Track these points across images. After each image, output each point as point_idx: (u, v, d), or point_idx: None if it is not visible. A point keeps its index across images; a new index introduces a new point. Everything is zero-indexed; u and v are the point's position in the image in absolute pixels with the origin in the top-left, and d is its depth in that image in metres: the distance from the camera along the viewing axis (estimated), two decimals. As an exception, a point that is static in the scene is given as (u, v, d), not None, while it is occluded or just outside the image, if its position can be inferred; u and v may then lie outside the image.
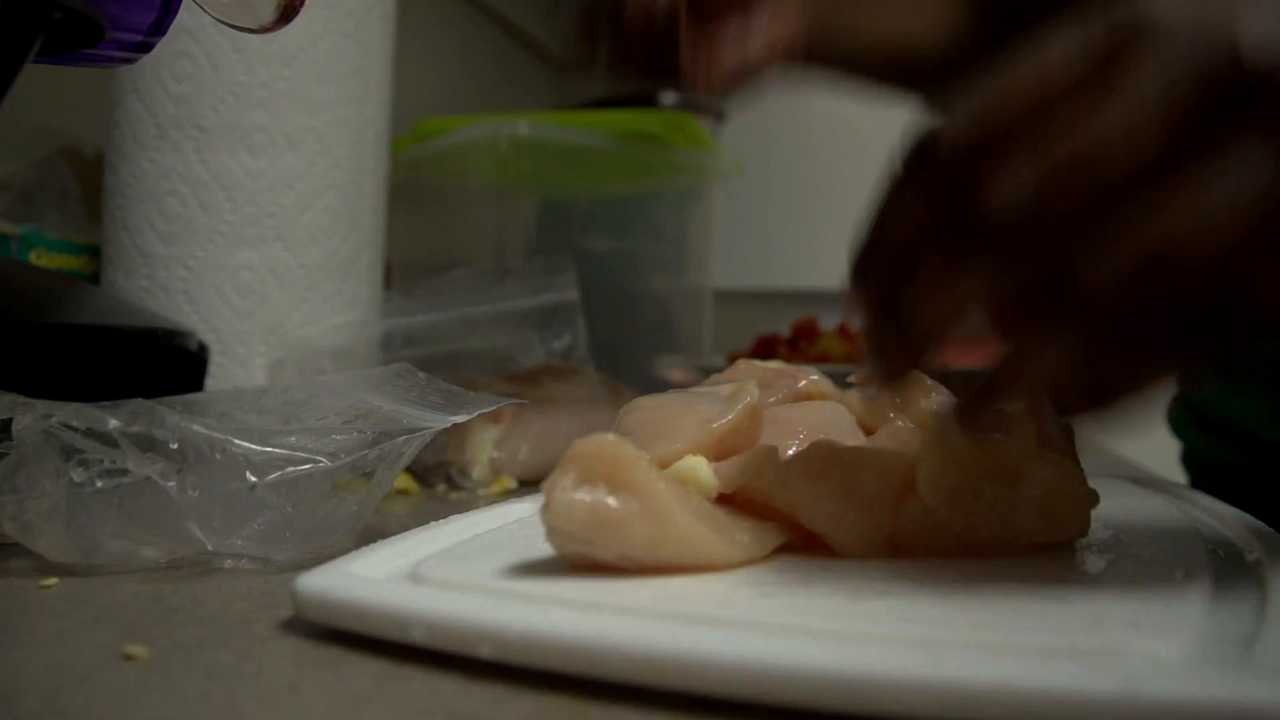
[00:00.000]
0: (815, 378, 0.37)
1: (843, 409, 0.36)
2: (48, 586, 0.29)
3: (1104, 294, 0.22)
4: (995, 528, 0.28)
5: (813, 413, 0.35)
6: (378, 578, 0.26)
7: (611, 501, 0.25)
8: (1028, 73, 0.22)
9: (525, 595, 0.24)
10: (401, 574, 0.26)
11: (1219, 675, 0.19)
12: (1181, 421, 0.70)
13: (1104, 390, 0.23)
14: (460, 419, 0.35)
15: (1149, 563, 0.28)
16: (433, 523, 0.32)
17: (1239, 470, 0.63)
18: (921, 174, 0.24)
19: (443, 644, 0.22)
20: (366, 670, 0.22)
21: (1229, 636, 0.22)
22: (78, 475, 0.30)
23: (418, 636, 0.23)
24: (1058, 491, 0.29)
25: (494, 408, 0.36)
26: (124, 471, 0.30)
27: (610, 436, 0.26)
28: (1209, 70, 0.21)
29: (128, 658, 0.23)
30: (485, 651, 0.22)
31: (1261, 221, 0.21)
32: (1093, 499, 0.30)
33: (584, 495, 0.25)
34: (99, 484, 0.30)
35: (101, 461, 0.30)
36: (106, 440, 0.30)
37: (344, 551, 0.28)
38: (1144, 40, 0.21)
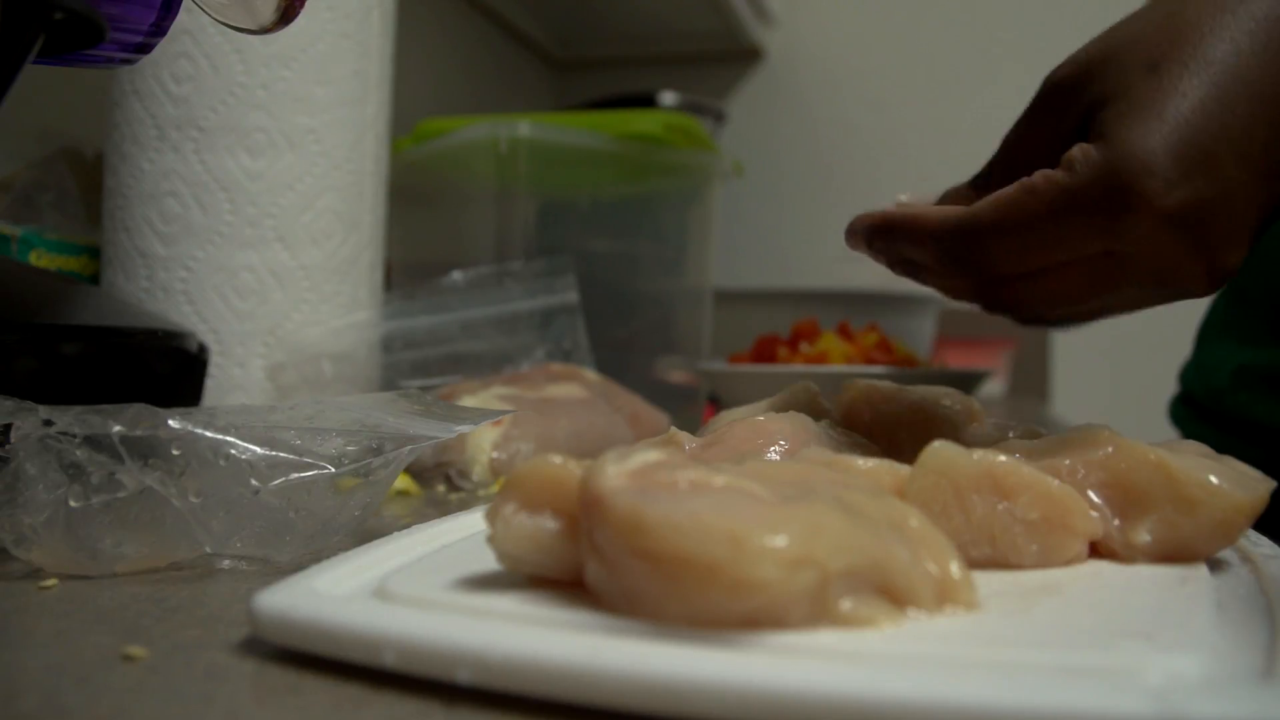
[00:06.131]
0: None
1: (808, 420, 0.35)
2: (47, 587, 0.29)
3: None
4: (985, 548, 0.27)
5: (789, 422, 0.34)
6: (339, 595, 0.24)
7: (552, 525, 0.24)
8: None
9: (505, 614, 0.23)
10: (366, 590, 0.25)
11: (1251, 692, 0.18)
12: (1185, 418, 0.70)
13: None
14: (465, 429, 0.35)
15: (1149, 565, 0.28)
16: (396, 533, 0.30)
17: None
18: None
19: (416, 666, 0.21)
20: (367, 670, 0.22)
21: (1245, 648, 0.21)
22: (75, 495, 0.29)
23: (388, 659, 0.22)
24: (1054, 519, 0.27)
25: (497, 418, 0.36)
26: (123, 484, 0.30)
27: (555, 458, 0.24)
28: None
29: (128, 658, 0.23)
30: (464, 676, 0.21)
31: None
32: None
33: (525, 521, 0.24)
34: (96, 499, 0.29)
35: (94, 474, 0.29)
36: (106, 448, 0.30)
37: (343, 552, 0.28)
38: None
